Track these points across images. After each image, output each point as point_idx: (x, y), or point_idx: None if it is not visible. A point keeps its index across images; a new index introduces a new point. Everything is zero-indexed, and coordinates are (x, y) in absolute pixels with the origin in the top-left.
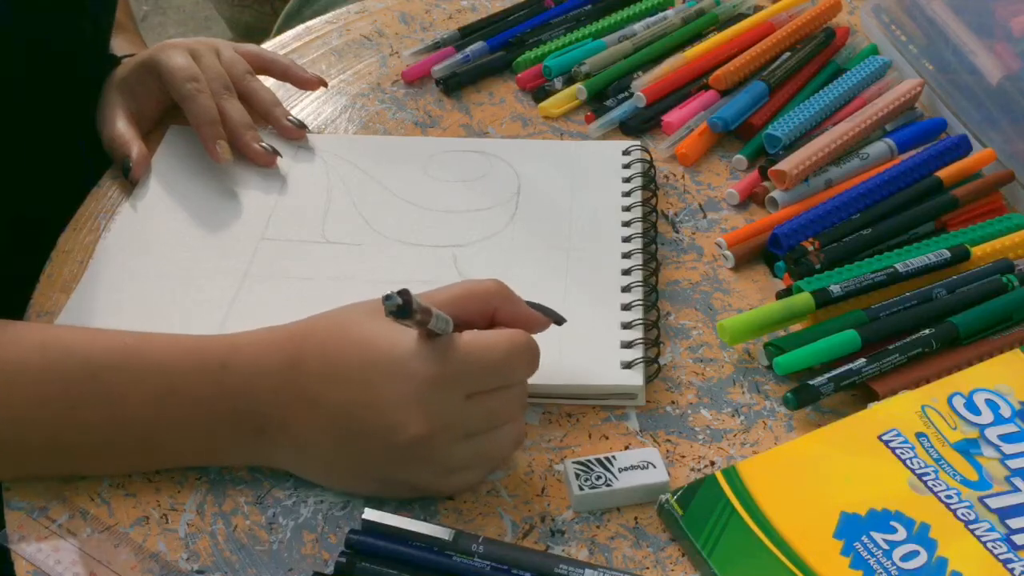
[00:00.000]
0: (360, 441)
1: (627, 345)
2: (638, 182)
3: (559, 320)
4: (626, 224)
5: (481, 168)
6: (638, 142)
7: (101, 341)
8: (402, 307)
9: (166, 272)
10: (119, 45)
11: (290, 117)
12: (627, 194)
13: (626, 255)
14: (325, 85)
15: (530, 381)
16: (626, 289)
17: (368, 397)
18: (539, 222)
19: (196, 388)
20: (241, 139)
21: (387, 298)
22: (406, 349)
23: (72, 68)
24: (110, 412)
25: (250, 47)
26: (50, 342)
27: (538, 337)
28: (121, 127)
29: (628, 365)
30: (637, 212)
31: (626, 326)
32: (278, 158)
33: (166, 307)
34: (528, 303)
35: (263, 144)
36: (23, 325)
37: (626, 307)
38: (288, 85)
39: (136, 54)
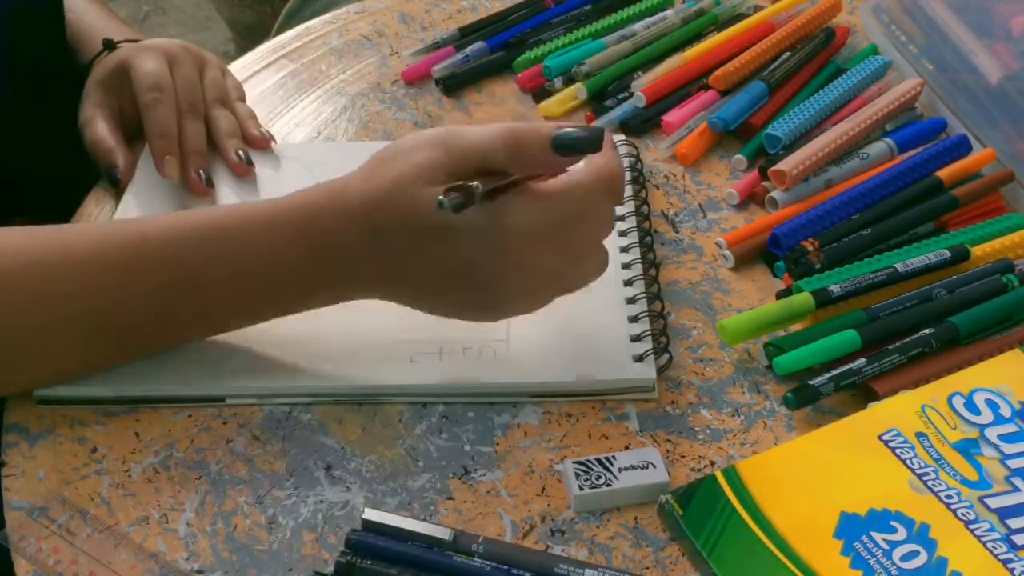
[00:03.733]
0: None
1: (636, 338)
2: (627, 177)
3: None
4: (620, 219)
5: None
6: (623, 136)
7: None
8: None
9: None
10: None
11: (240, 151)
12: None
13: (624, 249)
14: (274, 141)
15: (540, 380)
16: (628, 283)
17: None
18: None
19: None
20: (189, 162)
21: (440, 204)
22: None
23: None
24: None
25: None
26: (149, 233)
27: (547, 337)
28: (103, 131)
29: (640, 358)
30: (630, 207)
31: (633, 319)
32: (260, 168)
33: None
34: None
35: (239, 152)
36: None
37: (631, 300)
38: (285, 90)
39: (128, 41)
